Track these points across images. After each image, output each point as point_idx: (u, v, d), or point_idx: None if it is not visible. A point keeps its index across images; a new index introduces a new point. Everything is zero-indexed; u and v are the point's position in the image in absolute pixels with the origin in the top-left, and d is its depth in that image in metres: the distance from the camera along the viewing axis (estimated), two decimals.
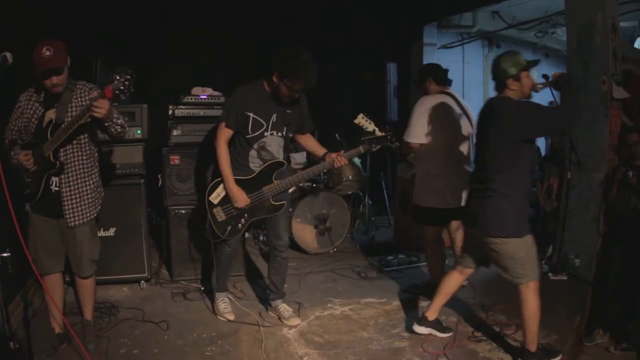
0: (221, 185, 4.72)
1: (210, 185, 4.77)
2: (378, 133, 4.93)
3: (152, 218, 6.58)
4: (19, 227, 3.57)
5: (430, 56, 9.33)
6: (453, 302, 5.46)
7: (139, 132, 5.63)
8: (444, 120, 5.24)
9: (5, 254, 3.25)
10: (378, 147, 4.83)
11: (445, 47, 9.80)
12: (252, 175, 4.70)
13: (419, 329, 4.69)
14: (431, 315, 4.69)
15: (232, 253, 5.08)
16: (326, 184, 7.55)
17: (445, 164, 5.28)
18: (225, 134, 4.65)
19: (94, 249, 4.32)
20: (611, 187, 5.70)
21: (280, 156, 4.79)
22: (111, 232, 5.57)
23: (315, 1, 7.91)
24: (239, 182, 4.65)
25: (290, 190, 7.33)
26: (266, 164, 4.70)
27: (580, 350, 4.76)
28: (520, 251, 4.08)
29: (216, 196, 4.74)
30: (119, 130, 4.07)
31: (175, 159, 5.96)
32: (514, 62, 4.03)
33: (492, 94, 8.46)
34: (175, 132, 5.94)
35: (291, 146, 8.02)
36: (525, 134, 3.98)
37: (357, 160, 7.66)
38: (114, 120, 3.97)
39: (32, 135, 4.00)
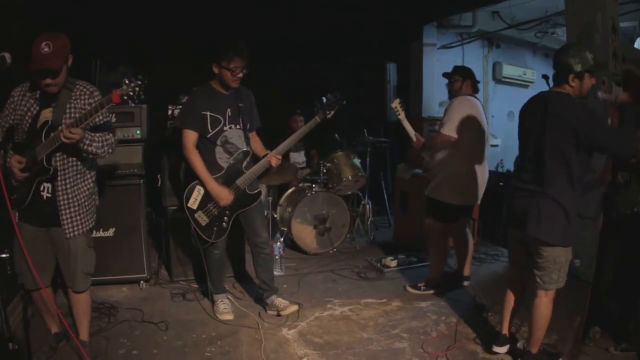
0: (196, 189, 4.78)
1: (185, 193, 4.80)
2: (406, 123, 5.43)
3: (151, 218, 6.58)
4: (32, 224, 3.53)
5: (430, 56, 9.32)
6: (453, 303, 5.50)
7: (138, 132, 5.62)
8: (478, 122, 5.44)
9: (3, 255, 3.24)
10: (332, 112, 5.01)
11: (445, 47, 9.75)
12: (222, 172, 4.78)
13: (499, 349, 4.52)
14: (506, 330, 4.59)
15: (221, 255, 5.12)
16: (326, 185, 7.55)
17: (471, 163, 5.49)
18: (190, 138, 4.71)
19: (88, 261, 4.04)
20: (606, 167, 5.70)
21: (244, 147, 4.86)
22: (110, 232, 5.55)
23: (315, 1, 7.89)
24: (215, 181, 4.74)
25: (289, 191, 7.38)
26: (233, 157, 4.78)
27: (580, 350, 4.76)
28: (563, 257, 4.04)
29: (194, 201, 4.79)
30: (94, 153, 3.79)
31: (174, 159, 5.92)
32: (581, 59, 3.96)
33: (492, 93, 8.47)
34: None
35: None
36: (586, 141, 3.79)
37: (356, 161, 7.65)
38: (86, 144, 3.69)
39: (25, 135, 3.71)
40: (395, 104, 5.49)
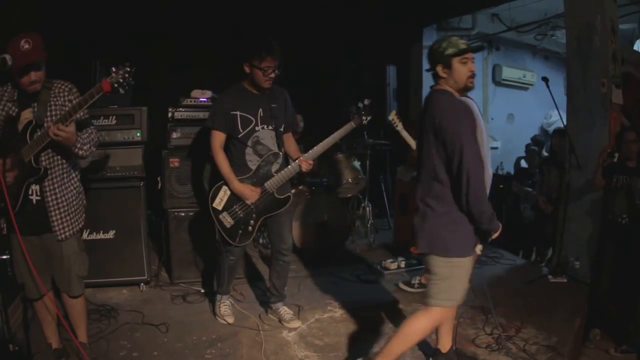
0: (222, 189, 4.70)
1: (210, 193, 4.73)
2: (404, 134, 5.53)
3: (151, 220, 6.57)
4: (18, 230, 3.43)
5: None
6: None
7: (138, 134, 5.62)
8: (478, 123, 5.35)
9: (4, 257, 3.23)
10: (368, 119, 4.92)
11: None
12: (251, 173, 4.69)
13: None
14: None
15: (236, 262, 5.08)
16: (326, 187, 7.54)
17: None
18: (218, 138, 4.67)
19: (82, 264, 3.96)
20: (596, 171, 5.72)
21: (275, 149, 4.76)
22: (111, 234, 5.56)
23: (315, 4, 7.90)
24: (240, 182, 4.66)
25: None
26: (262, 159, 4.70)
27: (580, 352, 4.78)
28: (443, 269, 3.59)
29: (219, 201, 4.70)
30: (85, 155, 3.79)
31: (174, 162, 5.95)
32: (448, 44, 3.53)
33: (492, 96, 8.56)
34: (174, 135, 5.93)
35: (301, 147, 8.10)
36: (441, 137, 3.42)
37: (356, 163, 7.65)
38: (78, 147, 3.66)
39: (6, 138, 3.62)
40: (392, 116, 5.52)
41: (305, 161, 4.75)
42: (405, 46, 9.58)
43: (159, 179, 6.01)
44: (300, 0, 7.81)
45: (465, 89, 3.61)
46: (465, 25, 9.72)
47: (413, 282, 5.93)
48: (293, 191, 7.40)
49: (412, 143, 5.63)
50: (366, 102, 4.87)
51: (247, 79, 4.67)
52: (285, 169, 4.76)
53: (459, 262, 3.57)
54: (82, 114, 3.70)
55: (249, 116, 4.65)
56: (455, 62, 3.53)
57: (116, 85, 3.41)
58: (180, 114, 5.94)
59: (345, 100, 9.74)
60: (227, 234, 4.75)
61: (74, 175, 3.92)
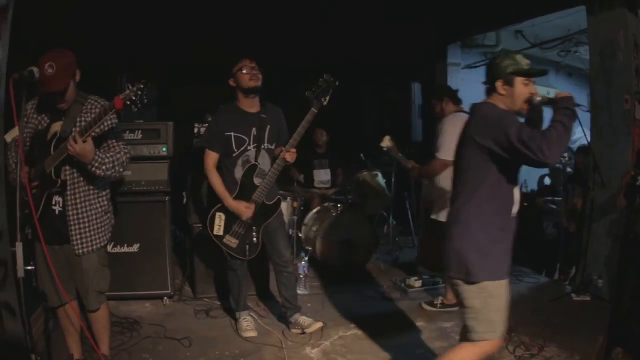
0: (216, 216, 4.78)
1: (207, 223, 4.80)
2: (398, 156, 5.70)
3: (176, 235, 6.56)
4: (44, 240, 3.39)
5: (455, 76, 9.34)
6: None
7: (164, 149, 5.64)
8: None
9: (29, 267, 3.20)
10: (327, 98, 4.70)
11: (469, 67, 9.77)
12: (237, 191, 4.75)
13: None
14: None
15: (241, 274, 5.09)
16: (351, 204, 7.50)
17: None
18: (212, 158, 4.74)
19: (102, 280, 3.90)
20: (619, 193, 5.61)
21: (267, 168, 4.78)
22: (135, 248, 5.57)
23: (340, 21, 7.90)
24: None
25: (314, 211, 7.33)
26: (242, 175, 4.74)
27: None
28: (475, 300, 3.32)
29: (218, 228, 4.78)
30: (104, 175, 3.66)
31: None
32: (512, 62, 3.33)
33: None
34: None
35: (315, 162, 8.06)
36: (486, 145, 3.16)
37: (381, 180, 7.63)
38: (95, 167, 3.57)
39: (36, 148, 3.64)
40: (386, 142, 5.46)
41: (288, 152, 4.69)
42: (429, 63, 9.57)
43: (184, 194, 6.04)
44: (325, 17, 7.79)
45: (518, 114, 3.38)
46: (490, 43, 9.72)
47: (436, 302, 5.84)
48: (316, 209, 7.41)
49: (407, 163, 5.66)
50: (321, 81, 4.69)
51: (238, 97, 4.77)
52: (269, 173, 4.75)
53: (492, 289, 3.29)
54: (108, 127, 3.70)
55: (243, 137, 4.73)
56: (518, 82, 3.32)
57: (128, 102, 3.33)
58: None
59: (369, 118, 9.76)
60: (236, 253, 4.83)
61: (103, 194, 3.88)
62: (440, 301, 5.82)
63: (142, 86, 3.34)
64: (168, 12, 6.94)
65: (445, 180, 5.38)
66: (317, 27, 7.89)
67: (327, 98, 4.70)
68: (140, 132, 5.58)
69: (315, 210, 7.47)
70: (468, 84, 8.92)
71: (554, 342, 4.93)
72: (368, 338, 5.11)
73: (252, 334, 5.01)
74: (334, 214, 7.18)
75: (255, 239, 4.80)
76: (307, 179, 8.24)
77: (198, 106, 6.18)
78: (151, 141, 5.60)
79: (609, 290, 6.04)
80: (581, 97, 7.62)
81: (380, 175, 7.69)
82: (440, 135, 5.46)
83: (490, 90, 3.40)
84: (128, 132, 5.48)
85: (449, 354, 3.46)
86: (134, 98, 3.33)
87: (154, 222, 5.63)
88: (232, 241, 4.77)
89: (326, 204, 7.53)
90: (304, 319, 5.11)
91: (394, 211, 8.22)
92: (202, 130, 5.94)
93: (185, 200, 6.06)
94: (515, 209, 3.38)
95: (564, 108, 3.18)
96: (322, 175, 8.27)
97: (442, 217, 5.48)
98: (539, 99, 3.32)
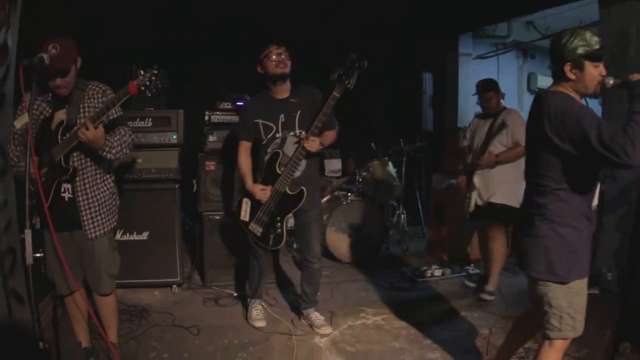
0: (243, 202, 4.76)
1: (235, 208, 4.81)
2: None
3: (185, 223, 6.53)
4: (53, 228, 3.39)
5: (466, 66, 9.30)
6: (486, 315, 5.40)
7: (174, 137, 5.63)
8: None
9: (38, 254, 3.18)
10: (352, 81, 4.40)
11: (480, 57, 9.72)
12: (261, 178, 4.72)
13: None
14: None
15: (262, 264, 5.04)
16: (361, 193, 7.47)
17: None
18: (242, 147, 4.78)
19: (113, 263, 3.96)
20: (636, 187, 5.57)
21: (291, 153, 4.63)
22: (144, 235, 5.56)
23: (351, 11, 7.86)
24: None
25: (324, 199, 7.30)
26: (265, 162, 4.69)
27: None
28: (561, 300, 3.22)
29: (244, 214, 4.75)
30: (114, 159, 3.76)
31: (210, 165, 5.94)
32: (581, 42, 3.05)
33: (527, 104, 8.37)
34: (211, 138, 5.93)
35: (326, 152, 8.00)
36: (564, 146, 2.94)
37: (392, 170, 7.60)
38: (106, 151, 3.63)
39: (39, 138, 3.61)
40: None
41: (307, 141, 4.50)
42: (441, 54, 9.55)
43: (194, 181, 6.01)
44: (336, 6, 7.75)
45: (594, 96, 3.20)
46: (501, 33, 9.68)
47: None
48: (326, 198, 7.38)
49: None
50: (345, 62, 4.41)
51: (267, 84, 4.68)
52: (290, 162, 4.59)
53: (578, 288, 3.21)
54: (114, 115, 3.71)
55: (270, 124, 4.66)
56: (588, 64, 3.06)
57: (143, 87, 3.40)
58: (217, 117, 5.96)
59: (380, 107, 9.71)
60: (260, 241, 4.75)
61: (107, 176, 3.90)
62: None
63: (155, 72, 3.41)
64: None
65: (516, 168, 5.47)
66: (330, 18, 7.86)
67: (353, 81, 4.40)
68: (150, 119, 5.55)
69: (325, 199, 7.43)
70: (479, 74, 8.84)
71: None
72: (376, 327, 5.10)
73: (261, 323, 5.00)
74: (343, 203, 7.15)
75: (279, 230, 4.71)
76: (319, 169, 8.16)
77: (209, 94, 6.15)
78: (161, 129, 5.59)
79: (618, 283, 6.03)
80: None
81: (390, 164, 7.66)
82: (515, 126, 5.55)
83: (558, 74, 3.16)
84: (138, 119, 5.47)
85: None
86: (148, 83, 3.41)
87: (163, 209, 5.61)
88: (256, 228, 4.71)
89: (336, 193, 7.51)
90: (316, 316, 5.06)
91: (404, 201, 8.18)
92: (213, 117, 5.93)
93: (195, 187, 6.03)
94: (595, 202, 3.26)
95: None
96: (333, 165, 8.22)
97: (504, 199, 5.60)
98: (611, 82, 3.08)
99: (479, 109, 6.35)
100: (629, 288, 5.37)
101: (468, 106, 9.04)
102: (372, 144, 7.83)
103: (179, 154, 5.69)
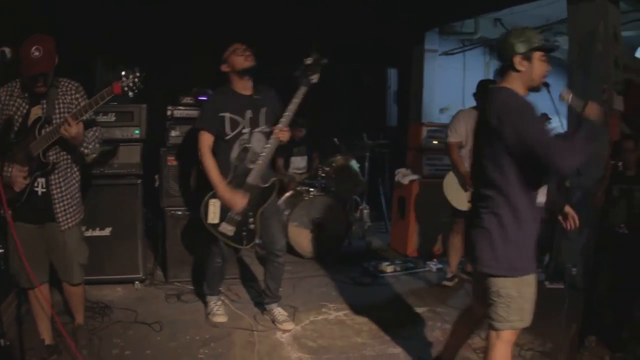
0: (210, 203, 4.66)
1: (201, 211, 4.67)
2: None
3: (148, 219, 6.57)
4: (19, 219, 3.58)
5: (432, 62, 9.34)
6: (449, 309, 5.53)
7: (137, 132, 5.65)
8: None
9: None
10: (316, 76, 4.65)
11: (446, 53, 9.79)
12: (231, 176, 4.68)
13: None
14: None
15: (223, 265, 5.09)
16: (324, 189, 7.57)
17: None
18: (207, 140, 4.65)
19: (83, 253, 4.16)
20: (598, 190, 5.74)
21: (260, 150, 4.71)
22: (107, 231, 5.57)
23: (316, 5, 7.94)
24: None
25: (287, 195, 7.38)
26: (235, 159, 4.69)
27: (575, 359, 4.78)
28: (511, 290, 3.29)
29: (213, 215, 4.66)
30: (89, 153, 4.04)
31: (172, 160, 5.95)
32: (527, 38, 3.25)
33: None
34: (173, 133, 5.94)
35: (294, 150, 8.08)
36: (504, 139, 3.12)
37: (355, 165, 7.70)
38: (84, 146, 3.91)
39: (16, 133, 3.77)
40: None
41: (281, 131, 4.64)
42: (406, 49, 9.58)
43: (156, 177, 6.02)
44: (302, 1, 7.82)
45: (537, 89, 3.39)
46: (468, 30, 9.71)
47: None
48: (289, 193, 7.46)
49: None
50: (308, 61, 4.67)
51: (232, 80, 4.75)
52: (262, 155, 4.68)
53: (528, 278, 3.31)
54: (91, 113, 3.82)
55: (237, 118, 4.69)
56: (536, 57, 3.27)
57: (126, 89, 3.58)
58: (180, 112, 5.95)
59: (344, 103, 9.77)
60: (233, 241, 4.74)
61: (76, 169, 4.08)
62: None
63: (139, 74, 3.59)
64: None
65: None
66: (294, 12, 7.92)
67: (316, 76, 4.65)
68: (113, 114, 5.56)
69: (287, 195, 7.51)
70: (444, 70, 8.99)
71: (526, 329, 4.87)
72: (339, 323, 5.21)
73: (223, 319, 5.06)
74: (306, 198, 7.24)
75: (252, 225, 4.73)
76: (284, 166, 8.22)
77: (171, 89, 6.17)
78: (124, 123, 5.60)
79: (583, 278, 6.16)
80: (559, 86, 7.73)
81: (353, 160, 7.76)
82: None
83: (506, 68, 3.31)
84: (101, 114, 5.44)
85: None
86: (132, 85, 3.60)
87: (126, 205, 5.63)
88: (228, 229, 4.68)
89: (299, 188, 7.57)
90: (279, 311, 5.13)
91: (367, 196, 8.29)
92: (175, 112, 5.92)
93: (157, 183, 6.02)
94: (542, 198, 3.38)
95: (589, 123, 3.16)
96: (299, 162, 8.27)
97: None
98: (570, 99, 3.41)
99: (443, 104, 6.40)
100: (594, 283, 5.53)
101: (433, 102, 9.14)
102: (335, 139, 7.92)
103: (142, 149, 5.71)
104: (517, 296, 3.27)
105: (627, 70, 6.70)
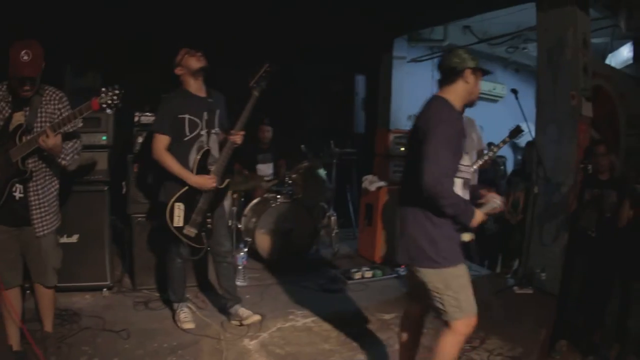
0: (175, 207, 4.78)
1: (167, 215, 4.77)
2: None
3: (116, 226, 6.58)
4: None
5: (400, 69, 9.46)
6: None
7: (104, 138, 5.65)
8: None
9: None
10: (265, 82, 4.92)
11: (415, 60, 9.91)
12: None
13: None
14: None
15: (182, 264, 5.18)
16: (291, 196, 7.62)
17: None
18: (163, 142, 4.77)
19: (58, 257, 4.25)
20: (571, 193, 5.89)
21: (216, 153, 4.93)
22: (74, 238, 5.57)
23: (285, 12, 8.02)
24: (188, 190, 4.79)
25: (254, 202, 7.45)
26: (197, 160, 4.80)
27: None
28: (437, 282, 3.55)
29: (178, 219, 4.79)
30: (67, 165, 4.12)
31: (139, 166, 5.96)
32: (472, 57, 3.57)
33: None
34: (140, 140, 5.96)
35: (259, 157, 8.15)
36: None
37: (322, 172, 7.76)
38: (61, 158, 4.01)
39: None
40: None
41: (237, 134, 4.85)
42: (375, 56, 9.71)
43: (123, 183, 6.03)
44: (269, 6, 7.90)
45: (472, 105, 3.68)
46: (437, 37, 9.86)
47: None
48: (256, 200, 7.52)
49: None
50: (259, 70, 4.93)
51: (186, 82, 4.87)
52: (221, 158, 4.90)
53: (456, 271, 3.55)
54: (73, 126, 3.94)
55: (196, 120, 4.82)
56: (478, 76, 3.59)
57: (104, 105, 3.70)
58: (147, 118, 5.95)
59: (312, 109, 9.84)
60: (195, 242, 4.87)
61: (55, 179, 4.17)
62: None
63: (117, 92, 3.70)
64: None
65: None
66: (262, 18, 7.99)
67: (266, 83, 4.94)
68: (80, 120, 5.50)
69: (255, 202, 7.58)
70: (413, 77, 9.09)
71: (496, 335, 5.12)
72: (306, 330, 5.26)
73: (190, 325, 5.10)
74: (273, 205, 7.29)
75: (210, 225, 4.91)
76: (250, 172, 8.24)
77: (138, 95, 6.19)
78: (91, 130, 5.53)
79: (552, 283, 6.27)
80: (529, 93, 7.86)
81: (321, 166, 7.81)
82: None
83: (451, 79, 3.56)
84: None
85: (438, 351, 3.66)
86: (110, 102, 3.71)
87: (93, 212, 5.64)
88: (191, 231, 4.81)
89: (266, 195, 7.62)
90: (243, 311, 5.23)
91: (335, 203, 8.35)
92: (142, 119, 5.95)
93: (124, 189, 6.03)
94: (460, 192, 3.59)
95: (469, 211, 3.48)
96: (265, 170, 8.35)
97: None
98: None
99: (411, 111, 6.48)
100: (566, 288, 5.65)
101: (401, 109, 9.24)
102: (302, 146, 7.96)
103: (109, 155, 5.72)
104: (444, 288, 3.51)
105: (596, 76, 6.86)
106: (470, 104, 3.66)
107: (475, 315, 3.62)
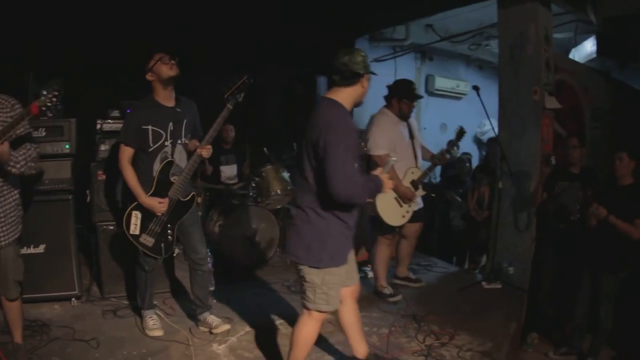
0: (132, 215, 4.89)
1: (124, 222, 4.90)
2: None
3: (83, 234, 6.62)
4: None
5: None
6: (385, 314, 5.75)
7: (67, 146, 5.69)
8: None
9: None
10: (242, 95, 4.97)
11: (377, 60, 9.97)
12: (153, 188, 4.89)
13: None
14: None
15: (150, 274, 5.27)
16: (255, 199, 7.74)
17: None
18: (127, 154, 4.85)
19: (18, 269, 4.31)
20: (538, 186, 6.09)
21: (183, 164, 5.00)
22: (41, 248, 5.61)
23: (246, 13, 8.18)
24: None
25: (219, 205, 7.53)
26: (158, 172, 4.89)
27: (517, 357, 5.07)
28: (315, 278, 3.87)
29: (134, 227, 4.90)
30: (19, 173, 4.11)
31: (102, 174, 6.02)
32: (363, 59, 3.89)
33: (424, 106, 8.81)
34: (103, 147, 6.01)
35: (222, 158, 8.24)
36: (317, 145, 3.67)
37: (285, 175, 7.86)
38: (11, 166, 3.98)
39: None
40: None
41: (204, 148, 4.91)
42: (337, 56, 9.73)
43: (87, 192, 6.09)
44: (231, 7, 8.04)
45: (359, 105, 4.05)
46: (399, 36, 10.02)
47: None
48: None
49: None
50: (235, 80, 4.96)
51: (156, 90, 4.93)
52: (185, 169, 4.96)
53: (330, 271, 3.85)
54: (21, 131, 4.00)
55: (160, 130, 4.89)
56: (368, 80, 3.94)
57: (44, 108, 3.86)
58: (109, 125, 6.02)
59: (274, 111, 9.93)
60: (152, 252, 4.99)
61: (13, 189, 4.23)
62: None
63: (56, 93, 3.74)
64: (71, 7, 7.09)
65: None
66: (222, 19, 8.11)
67: (242, 95, 4.95)
68: (43, 129, 5.57)
69: (219, 205, 7.75)
70: (375, 77, 9.18)
71: (465, 330, 5.29)
72: (275, 332, 5.39)
73: (158, 332, 5.20)
74: (238, 209, 7.43)
75: (170, 237, 4.99)
76: (214, 175, 8.39)
77: (101, 102, 6.25)
78: (54, 138, 5.63)
79: (520, 277, 6.49)
80: (492, 89, 8.07)
81: (284, 169, 7.92)
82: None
83: (353, 81, 3.86)
84: (32, 129, 5.49)
85: (295, 337, 4.06)
86: (49, 104, 3.79)
87: (58, 221, 5.69)
88: (148, 240, 4.92)
89: (230, 199, 7.79)
90: (212, 318, 5.33)
91: None
92: (105, 126, 6.01)
93: (88, 198, 6.09)
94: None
95: (376, 185, 3.82)
96: (229, 171, 8.48)
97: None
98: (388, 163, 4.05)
99: (374, 111, 6.65)
100: (537, 281, 5.86)
101: (363, 110, 9.34)
102: (265, 149, 8.06)
103: (72, 164, 5.76)
104: (320, 284, 3.85)
105: (560, 71, 7.10)
106: (358, 105, 4.03)
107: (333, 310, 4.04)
